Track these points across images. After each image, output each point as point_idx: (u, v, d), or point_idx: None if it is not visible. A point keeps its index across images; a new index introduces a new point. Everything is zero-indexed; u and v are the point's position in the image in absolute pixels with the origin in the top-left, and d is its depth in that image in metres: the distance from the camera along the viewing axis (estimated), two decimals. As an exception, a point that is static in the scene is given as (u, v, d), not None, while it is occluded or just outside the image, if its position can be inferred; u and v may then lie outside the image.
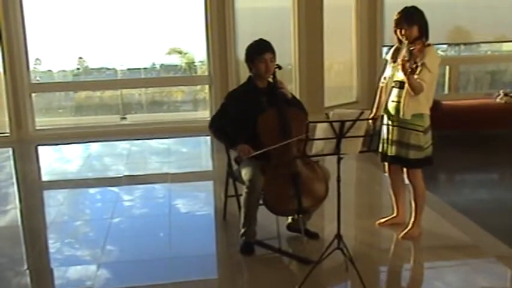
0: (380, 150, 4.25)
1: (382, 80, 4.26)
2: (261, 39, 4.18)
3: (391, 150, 4.14)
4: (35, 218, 5.16)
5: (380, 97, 4.25)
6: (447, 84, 8.68)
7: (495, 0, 8.60)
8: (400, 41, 4.06)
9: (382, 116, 4.20)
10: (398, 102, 4.03)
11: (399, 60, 3.93)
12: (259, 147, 3.93)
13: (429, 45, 4.01)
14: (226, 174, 4.53)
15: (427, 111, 4.05)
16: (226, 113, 4.16)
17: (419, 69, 3.85)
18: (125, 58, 8.79)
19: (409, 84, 3.89)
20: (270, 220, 4.22)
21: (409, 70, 3.80)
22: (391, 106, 4.09)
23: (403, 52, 3.95)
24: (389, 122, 4.14)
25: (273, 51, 4.11)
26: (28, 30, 7.86)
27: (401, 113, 3.99)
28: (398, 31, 4.04)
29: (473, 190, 5.72)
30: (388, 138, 4.16)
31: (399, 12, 4.05)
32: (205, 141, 7.99)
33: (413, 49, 3.93)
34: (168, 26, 8.45)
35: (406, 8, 4.06)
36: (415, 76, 3.89)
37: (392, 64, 4.12)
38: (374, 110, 4.22)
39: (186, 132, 8.01)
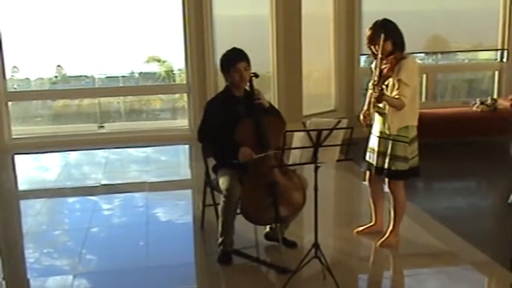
0: (367, 159, 4.27)
1: (370, 85, 4.28)
2: (234, 48, 4.15)
3: (377, 162, 4.15)
4: (11, 228, 5.10)
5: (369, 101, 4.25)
6: (424, 92, 8.76)
7: (472, 10, 8.71)
8: (375, 56, 4.04)
9: (371, 126, 4.21)
10: (382, 114, 4.05)
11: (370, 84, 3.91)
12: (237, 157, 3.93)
13: (404, 57, 3.98)
14: (204, 183, 4.52)
15: (413, 123, 4.06)
16: (211, 121, 4.12)
17: (396, 85, 3.87)
18: (103, 66, 8.74)
19: (389, 105, 3.90)
20: (248, 229, 4.23)
21: (375, 98, 3.77)
22: (378, 118, 4.11)
23: (376, 72, 3.91)
24: (375, 133, 4.15)
25: (247, 60, 4.09)
26: (5, 37, 7.78)
27: (386, 128, 4.01)
28: (372, 47, 4.02)
29: (450, 198, 5.77)
30: (374, 148, 4.17)
31: (371, 28, 4.01)
32: (184, 150, 7.98)
33: (384, 68, 3.89)
34: (146, 34, 8.42)
35: (377, 22, 4.02)
36: (395, 92, 3.90)
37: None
38: (365, 107, 4.18)
39: (164, 141, 7.97)
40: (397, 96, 3.90)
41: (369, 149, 4.25)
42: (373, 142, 4.19)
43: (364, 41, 4.10)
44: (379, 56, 3.93)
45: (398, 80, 3.88)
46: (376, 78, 3.88)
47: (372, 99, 3.91)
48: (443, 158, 6.97)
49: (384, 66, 3.93)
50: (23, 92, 8.55)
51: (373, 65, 4.24)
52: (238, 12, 8.21)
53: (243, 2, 8.28)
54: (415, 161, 4.14)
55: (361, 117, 4.12)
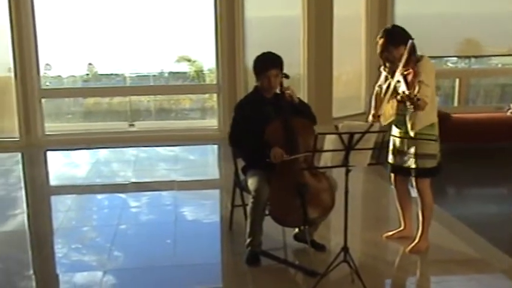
0: (390, 161, 4.23)
1: (377, 88, 4.27)
2: (268, 53, 4.13)
3: (404, 162, 4.11)
4: (43, 223, 5.17)
5: (376, 101, 4.22)
6: (457, 97, 8.66)
7: (507, 13, 8.56)
8: (385, 63, 4.05)
9: (390, 127, 4.18)
10: (403, 115, 4.01)
11: (400, 91, 3.82)
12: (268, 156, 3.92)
13: (419, 59, 3.95)
14: (233, 184, 4.52)
15: (436, 120, 4.05)
16: (241, 125, 4.12)
17: (417, 87, 3.83)
18: (134, 65, 8.82)
19: (415, 108, 3.85)
20: (276, 230, 4.22)
21: (412, 106, 3.70)
22: (398, 119, 4.07)
23: (399, 78, 3.84)
24: (398, 134, 4.13)
25: (279, 66, 4.06)
26: (39, 35, 7.90)
27: (410, 128, 3.98)
28: (386, 55, 4.00)
29: (481, 204, 5.69)
30: (399, 149, 4.14)
31: (381, 36, 4.00)
32: (213, 150, 8.01)
33: (407, 74, 3.85)
34: (177, 34, 8.48)
35: (386, 30, 4.03)
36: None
37: (390, 78, 4.06)
38: (373, 111, 4.14)
39: (193, 140, 8.02)
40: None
41: (392, 151, 4.20)
42: (396, 143, 4.15)
43: (377, 49, 4.07)
44: (402, 62, 3.88)
45: (419, 82, 3.84)
46: (404, 89, 3.79)
47: (409, 108, 3.82)
48: (475, 163, 6.87)
49: (405, 73, 3.87)
50: (56, 90, 8.67)
51: (382, 67, 4.21)
52: (270, 13, 8.22)
53: (275, 3, 8.28)
54: (439, 157, 4.11)
55: (370, 118, 4.07)
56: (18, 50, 7.74)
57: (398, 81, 3.85)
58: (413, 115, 3.95)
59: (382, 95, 4.12)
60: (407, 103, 3.71)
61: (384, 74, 4.20)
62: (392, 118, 4.07)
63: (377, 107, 4.19)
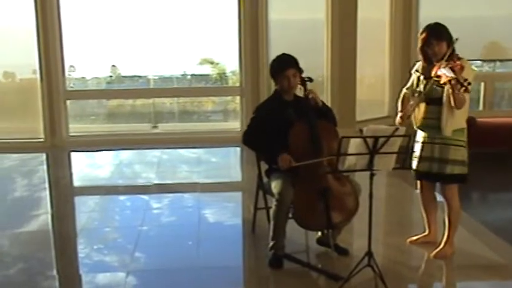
0: (415, 167, 4.18)
1: (405, 90, 4.25)
2: (283, 54, 4.15)
3: (433, 168, 4.05)
4: (66, 223, 5.22)
5: (403, 104, 4.22)
6: (482, 101, 8.56)
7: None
8: (425, 59, 4.01)
9: (415, 132, 4.13)
10: (433, 119, 3.96)
11: (443, 80, 3.75)
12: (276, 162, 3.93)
13: (460, 58, 3.92)
14: (257, 186, 4.51)
15: (465, 124, 4.01)
16: (258, 125, 4.15)
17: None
18: (157, 67, 8.87)
19: (457, 101, 3.80)
20: (300, 234, 4.20)
21: (464, 88, 3.66)
22: (426, 123, 4.03)
23: (443, 72, 3.77)
24: (426, 139, 4.07)
25: (295, 66, 4.07)
26: (64, 37, 7.99)
27: (443, 131, 3.93)
28: (426, 49, 3.98)
29: (506, 209, 5.61)
30: (426, 155, 4.07)
31: (424, 31, 4.00)
32: (235, 152, 8.01)
33: (452, 67, 3.78)
34: (200, 36, 8.51)
35: (430, 25, 4.02)
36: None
37: (423, 80, 4.04)
38: (400, 114, 4.14)
39: (216, 143, 8.04)
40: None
41: (417, 157, 4.13)
42: (423, 149, 4.09)
43: (418, 44, 4.05)
44: (446, 57, 3.85)
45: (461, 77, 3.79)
46: (451, 74, 3.74)
47: (460, 93, 3.75)
48: (500, 168, 6.79)
49: (451, 66, 3.83)
50: (81, 91, 8.76)
51: (413, 70, 4.19)
52: (294, 16, 8.21)
53: (298, 6, 8.27)
54: (467, 163, 4.06)
55: (398, 119, 4.09)
56: (43, 52, 7.85)
57: (438, 76, 3.80)
58: (449, 117, 3.89)
59: (412, 96, 4.10)
60: (457, 88, 3.66)
61: (414, 76, 4.16)
62: (420, 122, 4.04)
63: (404, 109, 4.16)
